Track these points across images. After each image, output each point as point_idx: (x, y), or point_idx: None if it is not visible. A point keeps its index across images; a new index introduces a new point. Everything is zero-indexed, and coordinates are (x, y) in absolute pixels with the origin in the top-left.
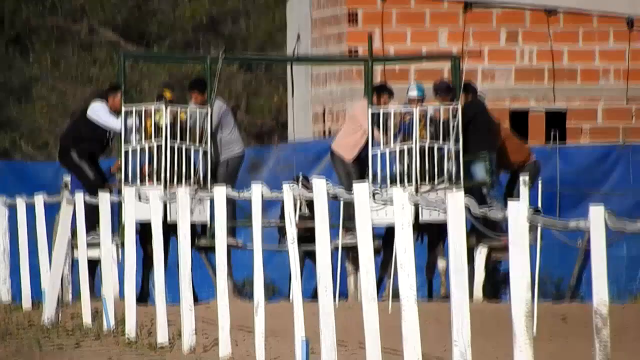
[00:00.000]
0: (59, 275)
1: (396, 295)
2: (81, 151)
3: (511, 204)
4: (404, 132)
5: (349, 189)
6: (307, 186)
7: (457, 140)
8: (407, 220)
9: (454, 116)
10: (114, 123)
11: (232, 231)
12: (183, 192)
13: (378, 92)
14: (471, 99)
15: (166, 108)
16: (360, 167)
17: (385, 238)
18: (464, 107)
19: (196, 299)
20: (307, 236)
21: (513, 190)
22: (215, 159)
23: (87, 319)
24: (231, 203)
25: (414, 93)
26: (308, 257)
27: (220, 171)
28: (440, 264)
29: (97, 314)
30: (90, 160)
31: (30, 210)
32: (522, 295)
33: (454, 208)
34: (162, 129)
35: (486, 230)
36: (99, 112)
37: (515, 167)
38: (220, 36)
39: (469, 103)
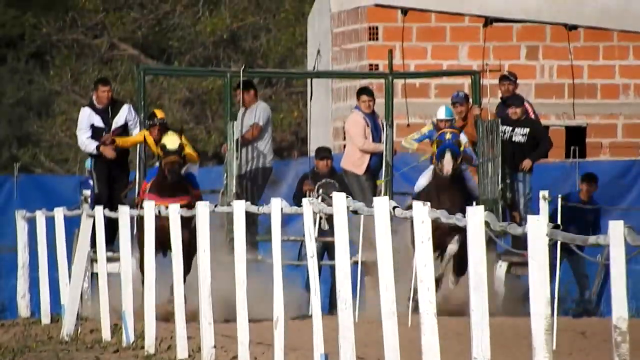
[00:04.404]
0: (79, 289)
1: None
2: (95, 159)
3: (531, 219)
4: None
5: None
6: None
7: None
8: (427, 234)
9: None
10: (81, 140)
11: (253, 245)
12: (203, 206)
13: (359, 94)
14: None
15: (161, 127)
16: (373, 180)
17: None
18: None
19: None
20: (326, 251)
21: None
22: (247, 166)
23: (106, 333)
24: (251, 217)
25: (442, 115)
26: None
27: (247, 182)
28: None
29: (116, 329)
30: (106, 169)
31: (50, 224)
32: (541, 311)
33: (474, 223)
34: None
35: (506, 246)
36: (79, 121)
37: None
38: (241, 51)
39: (529, 118)
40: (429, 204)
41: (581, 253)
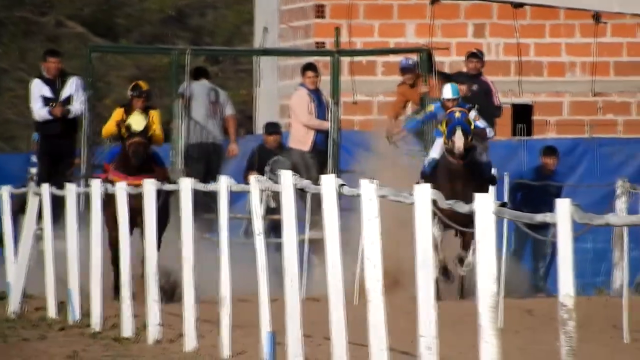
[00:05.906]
0: (25, 267)
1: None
2: (41, 136)
3: (478, 197)
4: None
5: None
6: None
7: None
8: (375, 212)
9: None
10: (35, 111)
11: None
12: (149, 184)
13: (304, 70)
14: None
15: (146, 97)
16: (319, 158)
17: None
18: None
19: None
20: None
21: None
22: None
23: (52, 311)
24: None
25: (448, 94)
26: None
27: (195, 160)
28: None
29: (62, 307)
30: (49, 148)
31: None
32: (488, 288)
33: (421, 202)
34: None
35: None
36: (31, 93)
37: None
38: (188, 29)
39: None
40: (376, 181)
41: (529, 231)
